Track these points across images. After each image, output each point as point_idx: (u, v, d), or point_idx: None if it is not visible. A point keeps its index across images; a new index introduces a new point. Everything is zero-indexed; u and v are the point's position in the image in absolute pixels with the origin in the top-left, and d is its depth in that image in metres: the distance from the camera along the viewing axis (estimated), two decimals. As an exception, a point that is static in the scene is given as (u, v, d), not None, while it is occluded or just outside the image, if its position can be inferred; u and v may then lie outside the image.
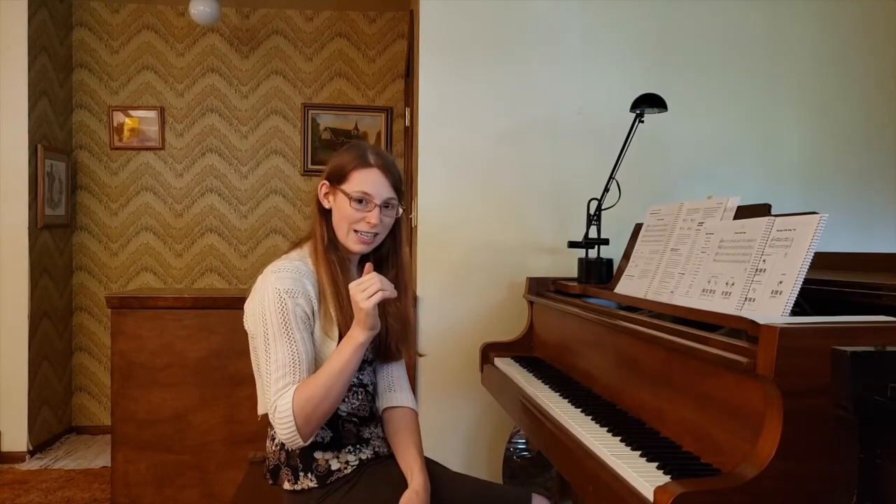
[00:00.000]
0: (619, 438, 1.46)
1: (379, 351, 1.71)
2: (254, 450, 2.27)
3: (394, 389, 1.76)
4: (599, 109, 2.95)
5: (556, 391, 1.94)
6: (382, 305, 1.58)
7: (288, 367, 1.52)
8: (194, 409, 2.84)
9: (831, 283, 1.53)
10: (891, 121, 3.09)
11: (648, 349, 1.58)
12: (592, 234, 2.51)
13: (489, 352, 2.57)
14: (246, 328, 1.65)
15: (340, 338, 1.58)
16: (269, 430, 1.66)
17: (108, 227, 4.68)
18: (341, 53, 4.75)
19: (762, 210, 1.65)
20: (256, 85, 4.74)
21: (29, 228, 4.05)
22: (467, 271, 2.94)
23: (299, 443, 1.52)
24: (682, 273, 1.73)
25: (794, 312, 1.29)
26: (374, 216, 1.62)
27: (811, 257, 1.29)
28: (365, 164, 1.63)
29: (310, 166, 4.73)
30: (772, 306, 1.31)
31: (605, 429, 1.54)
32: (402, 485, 1.59)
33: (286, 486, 1.61)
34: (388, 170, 1.65)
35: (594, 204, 2.50)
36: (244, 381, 2.77)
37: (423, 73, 2.95)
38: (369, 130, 4.72)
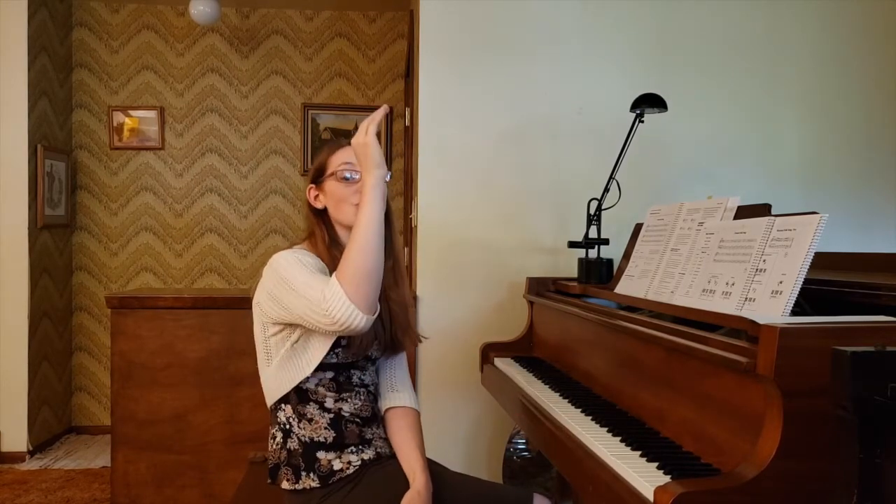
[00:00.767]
0: (619, 438, 1.46)
1: (384, 344, 1.71)
2: (254, 450, 2.27)
3: (396, 389, 1.76)
4: (599, 109, 2.95)
5: (556, 391, 1.94)
6: (383, 293, 1.59)
7: (318, 276, 1.53)
8: (194, 409, 2.84)
9: (831, 283, 1.53)
10: (891, 121, 3.09)
11: (648, 349, 1.58)
12: (592, 234, 2.51)
13: (489, 352, 2.57)
14: (255, 316, 1.66)
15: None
16: (270, 429, 1.66)
17: (108, 227, 4.68)
18: (341, 53, 4.75)
19: (762, 210, 1.65)
20: (256, 85, 4.74)
21: (29, 228, 4.05)
22: (467, 271, 2.94)
23: (360, 320, 1.46)
24: (682, 273, 1.73)
25: (794, 312, 1.29)
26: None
27: (811, 257, 1.29)
28: (338, 146, 1.71)
29: (310, 166, 4.71)
30: (772, 306, 1.31)
31: (605, 429, 1.54)
32: (404, 485, 1.59)
33: (286, 485, 1.61)
34: None
35: (594, 204, 2.50)
36: (244, 381, 2.78)
37: (423, 73, 2.95)
38: (369, 130, 4.71)
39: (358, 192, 1.61)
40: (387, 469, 1.64)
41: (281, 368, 1.61)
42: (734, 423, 1.23)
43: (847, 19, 3.07)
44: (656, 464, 1.29)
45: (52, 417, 4.34)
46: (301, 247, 1.68)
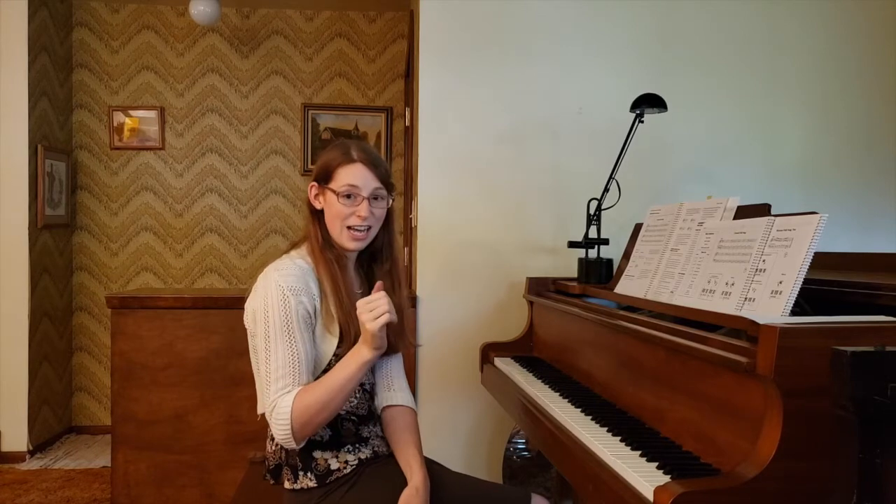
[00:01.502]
0: (618, 438, 1.46)
1: None
2: (254, 450, 2.26)
3: (392, 389, 1.76)
4: (599, 109, 2.95)
5: (556, 391, 1.94)
6: None
7: (288, 368, 1.53)
8: (194, 409, 2.84)
9: (831, 283, 1.53)
10: (891, 121, 3.09)
11: (648, 349, 1.58)
12: (592, 234, 2.51)
13: (489, 352, 2.57)
14: (246, 325, 1.66)
15: (341, 334, 1.60)
16: (268, 429, 1.66)
17: (108, 227, 4.68)
18: (341, 53, 4.75)
19: (762, 210, 1.65)
20: (256, 85, 4.74)
21: (29, 228, 4.05)
22: (467, 271, 2.94)
23: (292, 445, 1.54)
24: (681, 273, 1.73)
25: (794, 312, 1.29)
26: (363, 209, 1.62)
27: (811, 257, 1.29)
28: (349, 160, 1.64)
29: (310, 166, 4.73)
30: (772, 306, 1.31)
31: (605, 429, 1.54)
32: (402, 484, 1.59)
33: (286, 485, 1.61)
34: (372, 163, 1.65)
35: (594, 204, 2.50)
36: (244, 381, 2.77)
37: (423, 73, 2.95)
38: (369, 130, 4.72)
39: (354, 213, 1.62)
40: (384, 468, 1.64)
41: None
42: (734, 423, 1.23)
43: (847, 19, 3.07)
44: (656, 463, 1.29)
45: (53, 417, 4.34)
46: (300, 252, 1.67)
